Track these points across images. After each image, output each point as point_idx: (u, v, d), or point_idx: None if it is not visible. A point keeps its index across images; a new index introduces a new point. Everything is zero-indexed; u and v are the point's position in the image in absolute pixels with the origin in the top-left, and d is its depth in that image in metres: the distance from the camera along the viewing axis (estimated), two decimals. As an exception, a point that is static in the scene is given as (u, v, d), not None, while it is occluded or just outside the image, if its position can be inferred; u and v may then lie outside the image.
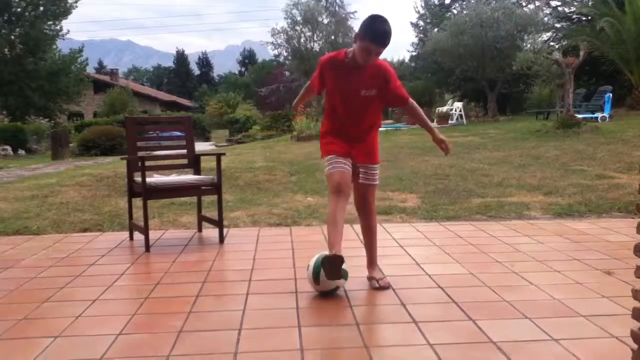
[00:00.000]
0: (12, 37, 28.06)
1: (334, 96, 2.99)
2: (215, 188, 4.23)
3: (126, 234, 4.48)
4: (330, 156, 2.98)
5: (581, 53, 12.64)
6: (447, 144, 3.11)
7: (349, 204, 2.95)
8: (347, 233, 4.43)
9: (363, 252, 3.77)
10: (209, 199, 5.02)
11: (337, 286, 2.91)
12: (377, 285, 2.99)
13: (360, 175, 3.05)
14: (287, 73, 32.84)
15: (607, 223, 4.61)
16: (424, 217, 5.00)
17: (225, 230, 4.41)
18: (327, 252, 2.97)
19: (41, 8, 28.18)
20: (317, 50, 28.27)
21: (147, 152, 4.53)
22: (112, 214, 5.35)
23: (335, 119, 3.03)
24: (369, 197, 3.09)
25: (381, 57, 2.89)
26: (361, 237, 4.22)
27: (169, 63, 77.74)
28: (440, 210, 5.22)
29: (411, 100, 3.06)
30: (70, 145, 17.36)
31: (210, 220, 4.48)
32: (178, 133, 4.87)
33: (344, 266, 2.90)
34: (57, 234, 4.66)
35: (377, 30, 2.74)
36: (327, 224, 2.91)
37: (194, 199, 4.89)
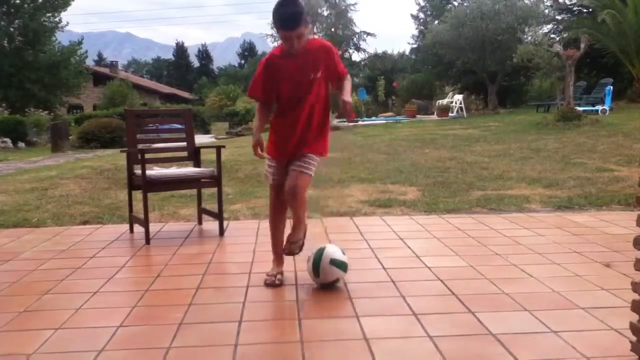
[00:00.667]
0: (12, 29, 27.96)
1: (281, 94, 2.90)
2: (215, 180, 4.23)
3: (126, 226, 4.49)
4: (270, 157, 2.99)
5: (582, 45, 12.60)
6: (347, 109, 2.79)
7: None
8: (347, 226, 4.44)
9: (363, 245, 3.79)
10: (209, 192, 5.02)
11: (337, 278, 2.91)
12: (286, 251, 3.03)
13: (296, 163, 2.90)
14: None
15: (607, 216, 4.61)
16: (424, 209, 5.01)
17: (225, 222, 4.41)
18: (326, 244, 2.99)
19: (40, 0, 28.06)
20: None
21: (147, 144, 4.53)
22: (112, 206, 5.35)
23: (282, 114, 2.94)
24: (298, 186, 2.86)
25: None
26: (361, 229, 4.24)
27: (169, 55, 77.49)
28: (440, 203, 5.22)
29: (349, 75, 2.96)
30: (70, 137, 17.33)
31: (210, 213, 4.48)
32: (178, 125, 4.87)
33: (343, 258, 2.91)
34: (57, 227, 4.66)
35: (280, 15, 2.64)
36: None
37: (194, 191, 4.89)
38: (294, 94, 2.87)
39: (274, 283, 2.97)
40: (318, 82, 2.85)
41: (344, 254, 2.95)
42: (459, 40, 21.81)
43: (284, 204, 3.01)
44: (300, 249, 3.04)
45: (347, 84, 2.92)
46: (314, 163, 2.92)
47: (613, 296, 2.71)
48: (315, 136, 2.92)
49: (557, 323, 2.38)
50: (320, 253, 2.90)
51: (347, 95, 2.84)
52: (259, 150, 2.93)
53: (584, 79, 18.90)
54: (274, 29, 2.89)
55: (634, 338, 1.94)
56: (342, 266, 2.91)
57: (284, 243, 3.06)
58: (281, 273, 3.06)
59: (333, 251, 2.92)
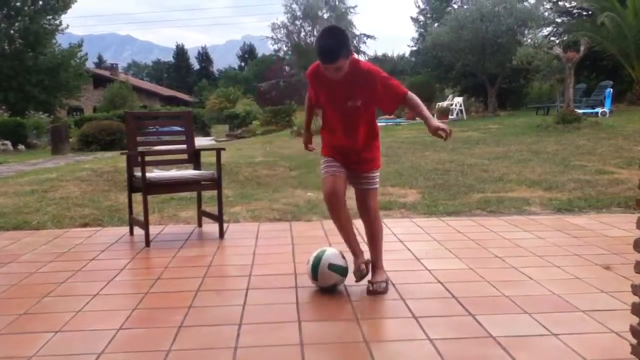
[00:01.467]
0: (12, 31, 27.97)
1: (326, 106, 2.94)
2: (215, 183, 4.23)
3: (126, 229, 4.49)
4: (328, 158, 2.95)
5: (582, 48, 12.60)
6: (445, 129, 2.75)
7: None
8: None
9: (362, 247, 3.77)
10: (209, 194, 5.02)
11: (335, 283, 2.91)
12: (371, 289, 2.87)
13: (360, 181, 2.96)
14: (287, 68, 32.79)
15: (607, 218, 4.61)
16: (424, 212, 5.01)
17: (225, 225, 4.41)
18: (326, 248, 2.99)
19: (40, 2, 28.09)
20: (317, 45, 28.19)
21: (147, 147, 4.53)
22: (112, 209, 5.35)
23: (330, 128, 2.97)
24: (369, 202, 2.97)
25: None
26: (362, 232, 4.24)
27: (169, 58, 77.51)
28: (440, 205, 5.22)
29: (409, 93, 2.83)
30: (70, 140, 17.35)
31: (210, 216, 4.48)
32: (178, 128, 4.87)
33: (342, 263, 2.90)
34: (57, 229, 4.66)
35: (320, 48, 2.64)
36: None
37: (194, 194, 4.89)
38: (336, 114, 2.88)
39: (362, 273, 2.93)
40: (359, 109, 2.81)
41: (343, 257, 2.94)
42: (458, 42, 21.82)
43: (340, 198, 2.86)
44: (386, 288, 2.90)
45: (416, 102, 2.83)
46: (376, 176, 2.98)
47: (613, 299, 2.71)
48: (370, 151, 2.95)
49: (557, 325, 2.38)
50: (319, 257, 2.90)
51: (432, 119, 2.79)
52: (310, 146, 3.22)
53: (584, 82, 18.91)
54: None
55: (634, 341, 1.93)
56: (341, 271, 2.90)
57: (367, 285, 2.92)
58: (365, 262, 2.96)
59: (332, 255, 2.92)
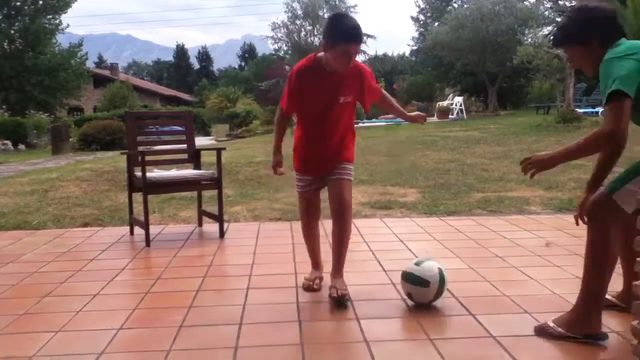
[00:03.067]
0: (12, 31, 27.96)
1: (304, 112, 2.82)
2: (216, 183, 4.23)
3: (126, 228, 4.48)
4: (301, 175, 2.91)
5: (582, 47, 12.59)
6: (421, 115, 3.10)
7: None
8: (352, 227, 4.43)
9: (363, 247, 3.78)
10: (209, 194, 5.01)
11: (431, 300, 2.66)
12: (335, 295, 2.66)
13: (334, 172, 2.80)
14: (287, 67, 32.76)
15: (608, 218, 4.60)
16: (424, 211, 5.00)
17: (225, 225, 4.41)
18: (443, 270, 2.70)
19: (40, 2, 28.05)
20: (318, 44, 28.21)
21: (147, 146, 4.53)
22: (112, 208, 5.35)
23: (306, 137, 2.85)
24: (344, 193, 2.76)
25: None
26: (362, 231, 4.24)
27: (169, 57, 77.58)
28: (441, 205, 5.21)
29: (383, 90, 3.03)
30: (71, 139, 17.34)
31: (210, 215, 4.48)
32: (178, 128, 4.87)
33: (444, 271, 2.67)
34: (57, 229, 4.66)
35: (347, 27, 2.51)
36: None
37: (195, 193, 4.89)
38: (318, 111, 2.76)
39: (311, 287, 2.90)
40: (347, 105, 2.77)
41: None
42: (458, 42, 21.84)
43: (315, 213, 2.99)
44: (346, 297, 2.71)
45: (390, 97, 3.09)
46: (351, 168, 2.85)
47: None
48: (345, 145, 2.85)
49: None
50: (443, 278, 2.65)
51: (405, 113, 3.09)
52: (279, 170, 2.97)
53: (584, 81, 18.89)
54: (336, 42, 2.71)
55: (635, 340, 1.93)
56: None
57: (331, 290, 2.74)
58: (320, 278, 2.96)
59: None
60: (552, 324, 2.26)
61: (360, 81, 2.76)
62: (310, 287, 2.91)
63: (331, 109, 2.74)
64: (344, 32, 2.51)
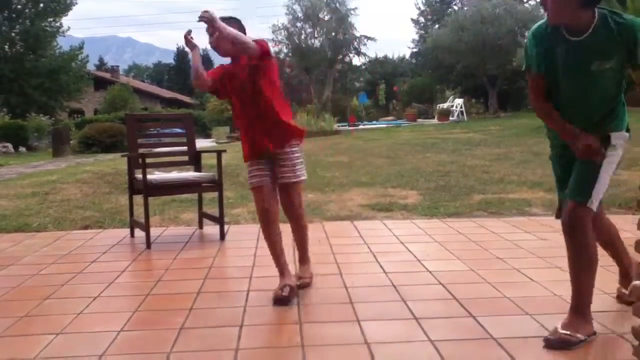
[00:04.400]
0: (13, 34, 28.02)
1: (235, 100, 2.96)
2: (216, 185, 4.24)
3: (127, 231, 4.48)
4: (252, 167, 2.91)
5: (582, 49, 12.60)
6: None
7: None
8: (348, 230, 4.44)
9: (364, 249, 3.78)
10: (209, 196, 5.02)
11: None
12: (299, 283, 2.92)
13: (281, 170, 2.86)
14: (287, 70, 32.79)
15: (608, 219, 4.60)
16: (424, 213, 5.00)
17: (226, 227, 4.40)
18: None
19: (41, 5, 28.13)
20: (318, 46, 28.24)
21: (148, 149, 4.53)
22: (113, 211, 5.35)
23: (238, 116, 2.99)
24: (293, 198, 2.89)
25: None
26: (362, 233, 4.24)
27: (170, 60, 77.59)
28: (441, 206, 5.21)
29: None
30: (71, 142, 17.37)
31: (211, 217, 4.48)
32: (179, 130, 4.87)
33: None
34: (58, 231, 4.66)
35: None
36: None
37: (195, 195, 4.89)
38: (241, 99, 2.90)
39: (281, 296, 2.74)
40: (259, 86, 2.83)
41: None
42: (459, 44, 21.86)
43: (273, 208, 2.87)
44: (310, 282, 3.01)
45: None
46: (299, 162, 2.89)
47: (614, 300, 2.70)
48: (280, 128, 2.87)
49: (559, 327, 2.37)
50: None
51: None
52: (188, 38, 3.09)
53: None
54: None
55: (636, 342, 1.93)
56: None
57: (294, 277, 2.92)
58: (290, 286, 2.80)
59: None
60: (566, 331, 2.19)
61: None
62: (280, 296, 2.74)
63: (245, 93, 2.85)
64: None
